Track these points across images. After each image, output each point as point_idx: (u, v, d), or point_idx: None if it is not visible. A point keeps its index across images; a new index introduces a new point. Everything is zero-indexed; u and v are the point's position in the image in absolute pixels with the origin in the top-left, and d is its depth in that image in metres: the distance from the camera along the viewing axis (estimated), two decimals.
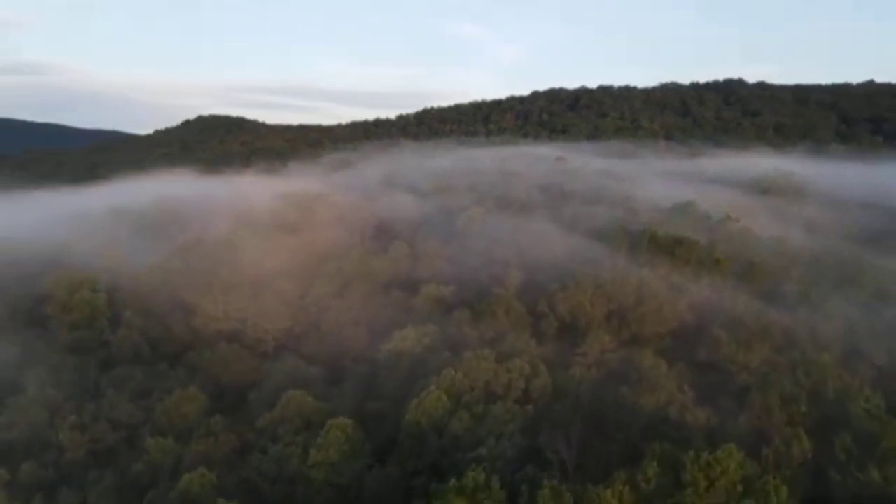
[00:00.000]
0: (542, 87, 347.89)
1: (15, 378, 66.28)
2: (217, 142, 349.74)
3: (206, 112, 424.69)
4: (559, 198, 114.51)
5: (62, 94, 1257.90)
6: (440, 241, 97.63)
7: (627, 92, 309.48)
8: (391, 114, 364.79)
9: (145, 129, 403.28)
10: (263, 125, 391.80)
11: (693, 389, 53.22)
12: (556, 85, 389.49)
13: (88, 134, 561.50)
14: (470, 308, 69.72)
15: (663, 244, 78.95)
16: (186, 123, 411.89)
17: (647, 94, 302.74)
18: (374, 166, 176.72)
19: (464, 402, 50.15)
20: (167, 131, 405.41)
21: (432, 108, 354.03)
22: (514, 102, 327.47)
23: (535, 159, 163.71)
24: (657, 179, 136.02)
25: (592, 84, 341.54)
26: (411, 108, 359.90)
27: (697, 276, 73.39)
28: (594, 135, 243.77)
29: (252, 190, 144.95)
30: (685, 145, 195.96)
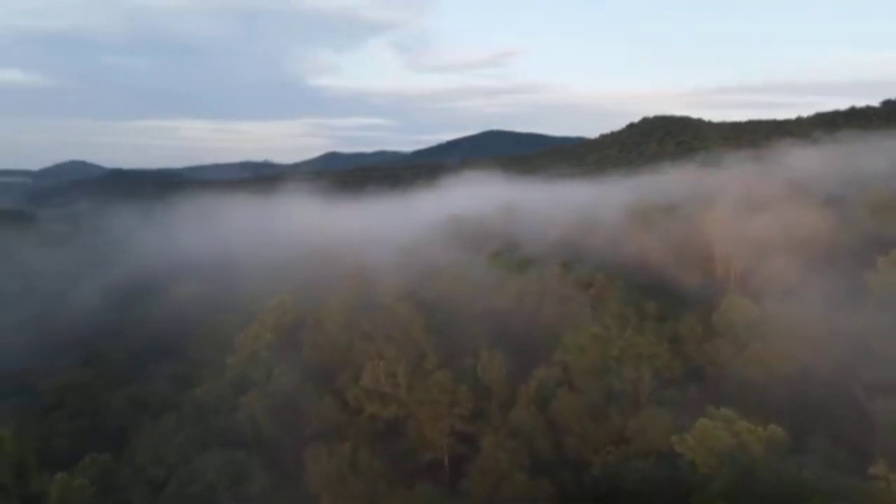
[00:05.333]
0: None
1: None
2: (655, 142, 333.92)
3: (650, 114, 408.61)
4: None
5: (545, 107, 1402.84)
6: (806, 309, 51.63)
7: None
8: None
9: (595, 134, 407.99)
10: (708, 124, 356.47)
11: None
12: None
13: (553, 140, 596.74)
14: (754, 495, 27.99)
15: None
16: (630, 126, 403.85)
17: None
18: (788, 170, 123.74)
19: None
20: (611, 134, 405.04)
21: None
22: None
23: None
24: None
25: None
26: None
27: None
28: None
29: (597, 199, 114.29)
30: None
